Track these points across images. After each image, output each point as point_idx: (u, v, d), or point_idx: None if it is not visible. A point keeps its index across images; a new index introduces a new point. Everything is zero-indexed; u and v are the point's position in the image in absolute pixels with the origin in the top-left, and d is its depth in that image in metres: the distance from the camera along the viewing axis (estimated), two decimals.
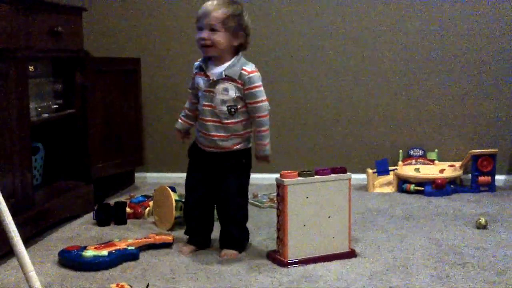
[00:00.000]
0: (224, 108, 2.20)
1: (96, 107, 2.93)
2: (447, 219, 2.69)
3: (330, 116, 3.46)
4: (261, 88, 2.22)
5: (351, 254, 2.21)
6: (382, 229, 2.55)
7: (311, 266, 2.11)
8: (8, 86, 2.26)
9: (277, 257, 2.16)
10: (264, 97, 2.23)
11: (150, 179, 3.54)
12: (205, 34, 2.19)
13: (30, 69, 2.55)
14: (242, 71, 2.19)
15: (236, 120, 2.22)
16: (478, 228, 2.53)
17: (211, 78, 2.21)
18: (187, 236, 2.36)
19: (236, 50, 2.24)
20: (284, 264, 2.12)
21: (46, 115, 2.70)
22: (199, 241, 2.33)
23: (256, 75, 2.21)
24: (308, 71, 3.45)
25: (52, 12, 2.65)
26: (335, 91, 3.45)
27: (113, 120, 3.09)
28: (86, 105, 2.87)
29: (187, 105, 2.38)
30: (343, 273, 2.06)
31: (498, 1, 3.31)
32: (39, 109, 2.67)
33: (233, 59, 2.22)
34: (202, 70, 2.25)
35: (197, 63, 2.31)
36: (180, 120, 2.40)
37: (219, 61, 2.22)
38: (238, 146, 2.25)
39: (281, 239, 2.15)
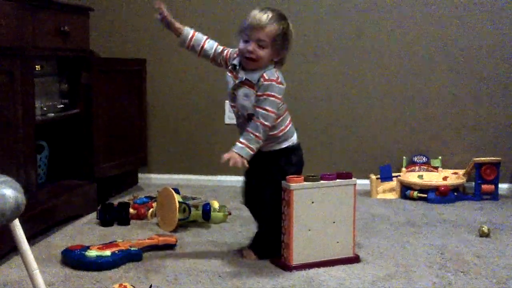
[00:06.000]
0: (245, 114, 2.16)
1: (101, 107, 2.93)
2: (450, 227, 2.69)
3: (334, 121, 3.46)
4: (274, 99, 2.09)
5: (355, 259, 2.21)
6: (385, 235, 2.55)
7: (315, 271, 2.12)
8: (14, 85, 2.27)
9: (281, 261, 2.16)
10: (272, 109, 2.09)
11: (154, 180, 3.54)
12: (252, 47, 2.10)
13: (37, 68, 2.56)
14: (261, 77, 2.10)
15: None
16: (481, 236, 2.53)
17: (236, 80, 2.16)
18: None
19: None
20: (288, 268, 2.12)
21: (52, 114, 2.70)
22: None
23: (274, 84, 2.09)
24: (313, 77, 3.45)
25: (59, 12, 2.66)
26: (339, 97, 3.45)
27: (117, 120, 3.09)
28: (91, 105, 2.87)
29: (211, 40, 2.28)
30: (346, 278, 2.06)
31: (506, 8, 3.31)
32: (45, 108, 2.67)
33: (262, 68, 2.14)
34: (234, 69, 2.18)
35: (235, 61, 2.19)
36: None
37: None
38: (270, 146, 2.18)
39: (286, 243, 2.15)
